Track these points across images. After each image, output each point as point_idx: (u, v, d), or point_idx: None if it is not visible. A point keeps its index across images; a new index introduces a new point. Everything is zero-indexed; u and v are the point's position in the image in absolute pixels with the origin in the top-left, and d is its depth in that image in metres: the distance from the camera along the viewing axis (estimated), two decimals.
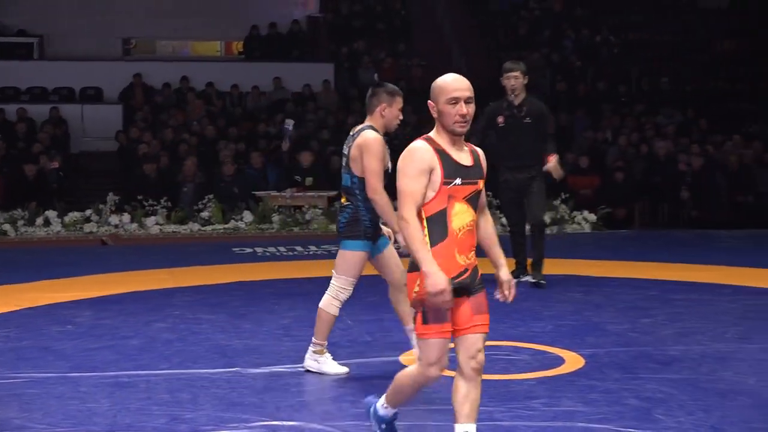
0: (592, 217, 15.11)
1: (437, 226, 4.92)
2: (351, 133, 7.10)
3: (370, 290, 10.17)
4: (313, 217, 15.08)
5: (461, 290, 4.97)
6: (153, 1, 23.30)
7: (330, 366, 7.10)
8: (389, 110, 6.99)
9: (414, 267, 4.96)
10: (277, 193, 15.62)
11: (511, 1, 24.58)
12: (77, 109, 20.54)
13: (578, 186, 16.26)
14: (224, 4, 23.69)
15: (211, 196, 15.33)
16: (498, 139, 10.55)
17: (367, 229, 6.98)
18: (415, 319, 5.11)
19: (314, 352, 7.11)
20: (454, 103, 4.98)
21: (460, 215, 4.94)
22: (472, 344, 5.10)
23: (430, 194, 4.88)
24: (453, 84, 5.05)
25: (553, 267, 11.75)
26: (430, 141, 4.98)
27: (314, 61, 22.65)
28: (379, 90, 7.05)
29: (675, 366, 7.34)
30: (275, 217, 15.16)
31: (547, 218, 15.12)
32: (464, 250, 4.97)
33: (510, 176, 10.47)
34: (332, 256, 12.39)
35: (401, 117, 7.11)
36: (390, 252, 7.18)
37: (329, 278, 7.30)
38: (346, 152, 7.00)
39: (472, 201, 4.99)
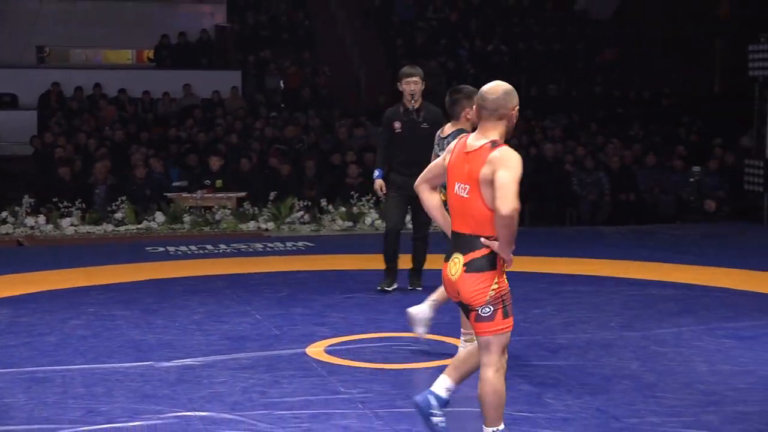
0: None
1: None
2: (444, 137, 7.51)
3: (280, 287, 10.16)
4: (222, 217, 14.99)
5: None
6: (66, 11, 22.94)
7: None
8: (473, 112, 6.09)
9: (484, 267, 5.03)
10: (188, 195, 15.50)
11: (412, 11, 24.68)
12: None
13: None
14: (135, 15, 23.42)
15: (124, 198, 15.16)
16: (394, 145, 9.64)
17: None
18: (492, 317, 5.04)
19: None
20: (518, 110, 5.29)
21: None
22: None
23: None
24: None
25: None
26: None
27: (223, 69, 22.53)
28: (459, 96, 7.23)
29: (563, 353, 7.45)
30: (186, 218, 15.04)
31: None
32: None
33: (401, 180, 9.36)
34: (241, 254, 12.43)
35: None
36: None
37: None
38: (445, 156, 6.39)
39: None
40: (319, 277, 10.70)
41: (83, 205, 15.06)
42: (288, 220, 15.13)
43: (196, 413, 5.99)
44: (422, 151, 8.70)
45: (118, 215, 14.97)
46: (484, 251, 5.03)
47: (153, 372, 6.94)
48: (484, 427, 5.21)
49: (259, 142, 18.03)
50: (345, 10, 24.80)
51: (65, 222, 14.76)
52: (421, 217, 9.34)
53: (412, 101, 9.59)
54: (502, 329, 5.08)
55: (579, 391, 6.44)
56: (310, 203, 15.39)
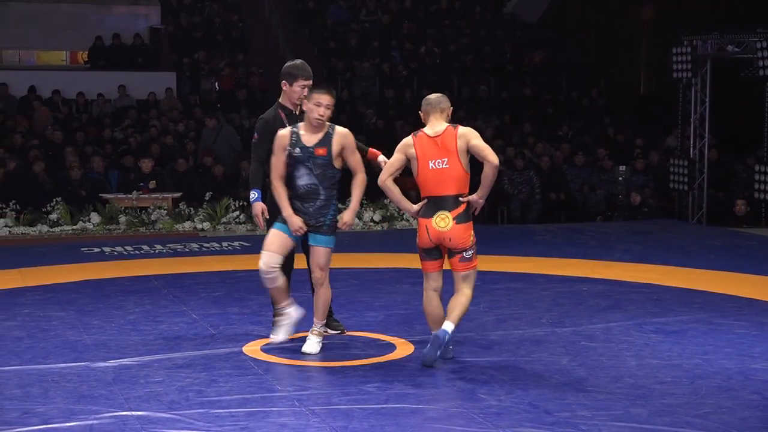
0: None
1: None
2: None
3: (216, 286, 10.10)
4: (158, 217, 14.87)
5: None
6: None
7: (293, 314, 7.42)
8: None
9: (467, 218, 6.94)
10: (123, 196, 15.36)
11: (345, 14, 24.66)
12: None
13: (407, 186, 16.39)
14: (69, 16, 23.15)
15: (59, 199, 14.96)
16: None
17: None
18: (471, 258, 6.97)
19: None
20: None
21: None
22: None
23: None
24: None
25: (383, 261, 11.86)
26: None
27: (157, 70, 22.33)
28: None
29: (495, 349, 7.48)
30: (122, 218, 14.89)
31: (378, 216, 15.25)
32: None
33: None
34: (177, 254, 12.33)
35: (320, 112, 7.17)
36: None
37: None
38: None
39: None
40: (255, 277, 10.56)
41: (17, 205, 14.85)
42: (224, 220, 15.05)
43: (133, 413, 5.93)
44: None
45: (54, 216, 14.78)
46: (463, 206, 6.91)
47: (89, 372, 6.85)
48: (450, 323, 6.85)
49: (195, 143, 17.90)
50: (278, 12, 24.72)
51: None
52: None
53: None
54: (476, 265, 7.03)
55: (511, 386, 6.47)
56: (245, 203, 15.32)
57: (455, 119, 17.20)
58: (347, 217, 7.30)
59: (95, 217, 14.86)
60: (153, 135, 18.29)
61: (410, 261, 11.19)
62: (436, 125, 7.01)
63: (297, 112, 7.75)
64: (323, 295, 7.33)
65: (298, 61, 7.93)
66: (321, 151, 7.15)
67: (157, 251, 12.62)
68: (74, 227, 14.71)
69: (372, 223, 15.27)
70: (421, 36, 23.98)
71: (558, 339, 7.81)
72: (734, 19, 18.45)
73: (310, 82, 7.72)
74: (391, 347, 7.55)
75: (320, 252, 7.25)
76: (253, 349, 7.50)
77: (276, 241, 7.25)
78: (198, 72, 21.96)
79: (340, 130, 7.26)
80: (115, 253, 12.65)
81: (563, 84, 23.20)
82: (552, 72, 23.49)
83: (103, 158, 16.89)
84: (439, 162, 6.88)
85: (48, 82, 20.76)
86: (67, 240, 14.19)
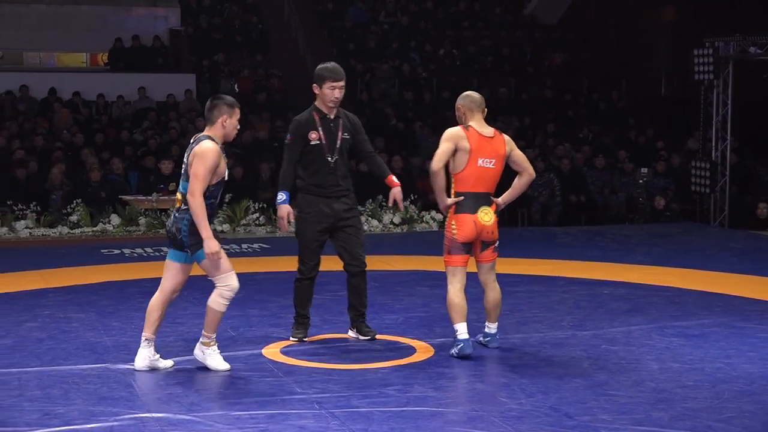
0: (440, 216, 15.26)
1: None
2: (191, 142, 7.01)
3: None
4: None
5: None
6: (20, 14, 22.71)
7: (214, 360, 6.98)
8: (230, 121, 6.93)
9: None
10: (143, 197, 15.40)
11: (364, 15, 24.68)
12: None
13: (426, 188, 16.40)
14: (89, 18, 23.22)
15: (79, 201, 15.02)
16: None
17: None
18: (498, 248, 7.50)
19: (202, 343, 7.04)
20: None
21: None
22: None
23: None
24: None
25: (403, 263, 11.86)
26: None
27: (177, 72, 22.41)
28: (219, 102, 6.98)
29: (516, 352, 7.48)
30: (142, 220, 14.93)
31: (397, 218, 15.25)
32: None
33: (324, 207, 7.74)
34: None
35: (238, 127, 7.04)
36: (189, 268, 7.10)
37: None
38: (185, 160, 6.91)
39: None
40: (275, 279, 10.67)
41: (38, 207, 14.92)
42: (243, 222, 15.07)
43: (153, 415, 5.95)
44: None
45: (74, 218, 14.84)
46: (495, 205, 7.42)
47: (109, 374, 6.88)
48: (490, 324, 7.58)
49: None
50: (298, 13, 24.76)
51: (20, 224, 14.61)
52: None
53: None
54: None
55: (532, 389, 6.46)
56: (265, 206, 15.34)
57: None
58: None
59: (115, 219, 14.91)
60: (173, 137, 18.35)
61: (430, 263, 11.21)
62: (483, 125, 7.47)
63: (332, 116, 7.75)
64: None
65: (329, 64, 7.89)
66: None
67: None
68: (94, 229, 14.76)
69: (392, 225, 15.26)
70: (440, 37, 23.97)
71: (579, 342, 7.80)
72: (757, 21, 18.37)
73: (340, 83, 7.70)
74: (411, 350, 7.55)
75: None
76: (273, 351, 7.51)
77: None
78: (217, 74, 22.01)
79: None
80: (135, 254, 12.69)
81: (584, 86, 23.16)
82: (572, 74, 23.45)
83: (123, 160, 16.94)
84: (487, 161, 7.33)
85: (68, 83, 20.86)
86: (87, 242, 14.24)
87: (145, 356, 6.99)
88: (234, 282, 6.93)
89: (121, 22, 23.46)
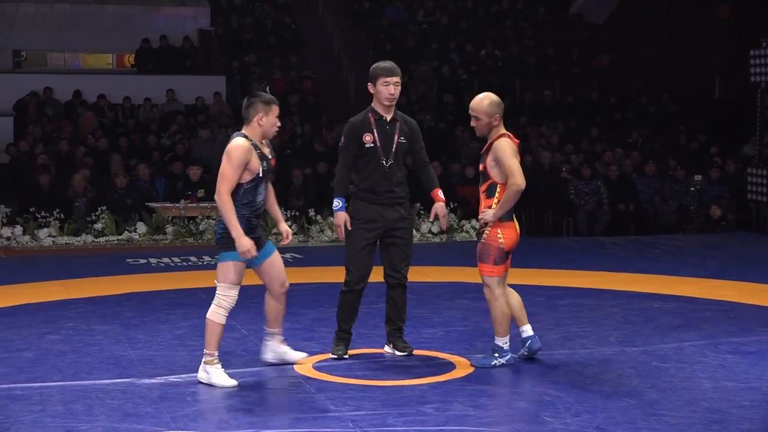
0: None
1: None
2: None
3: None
4: (206, 227, 14.96)
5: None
6: (44, 14, 22.91)
7: (218, 377, 6.99)
8: (266, 119, 7.03)
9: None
10: (171, 205, 15.46)
11: (402, 14, 24.71)
12: None
13: (466, 195, 16.38)
14: (115, 18, 23.41)
15: (104, 208, 15.11)
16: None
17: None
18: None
19: (205, 362, 7.04)
20: None
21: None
22: None
23: None
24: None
25: (442, 275, 11.83)
26: None
27: (206, 74, 22.52)
28: (255, 100, 7.08)
29: (561, 369, 7.43)
30: (169, 228, 15.01)
31: (436, 227, 15.23)
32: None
33: (374, 213, 7.68)
34: None
35: (278, 124, 7.12)
36: (273, 261, 7.21)
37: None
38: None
39: (479, 178, 7.64)
40: (307, 290, 10.67)
41: (61, 215, 15.01)
42: (274, 231, 15.08)
43: None
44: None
45: (98, 226, 14.93)
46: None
47: (134, 389, 6.90)
48: (525, 327, 7.62)
49: None
50: (333, 12, 24.81)
51: (43, 233, 14.72)
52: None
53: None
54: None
55: (578, 408, 6.42)
56: (297, 213, 15.37)
57: (517, 125, 17.24)
58: (287, 227, 7.56)
59: (141, 227, 14.99)
60: (201, 141, 18.43)
61: (470, 275, 11.14)
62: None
63: (388, 118, 7.74)
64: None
65: (385, 62, 7.93)
66: (274, 162, 7.26)
67: (205, 263, 12.69)
68: (119, 237, 14.85)
69: (430, 235, 15.24)
70: (481, 38, 23.95)
71: (627, 359, 7.74)
72: None
73: (394, 78, 7.70)
74: (450, 366, 7.52)
75: (280, 257, 7.44)
76: (304, 366, 7.51)
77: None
78: (248, 76, 22.07)
79: None
80: (162, 264, 12.75)
81: (632, 88, 23.05)
82: (620, 75, 23.35)
83: (150, 165, 17.02)
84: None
85: (93, 86, 21.02)
86: (112, 251, 14.32)
87: (269, 349, 7.45)
88: (235, 296, 7.05)
89: (148, 22, 23.61)
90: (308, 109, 20.76)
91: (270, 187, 7.30)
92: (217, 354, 7.04)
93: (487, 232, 7.42)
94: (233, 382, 6.96)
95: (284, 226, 7.48)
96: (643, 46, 24.88)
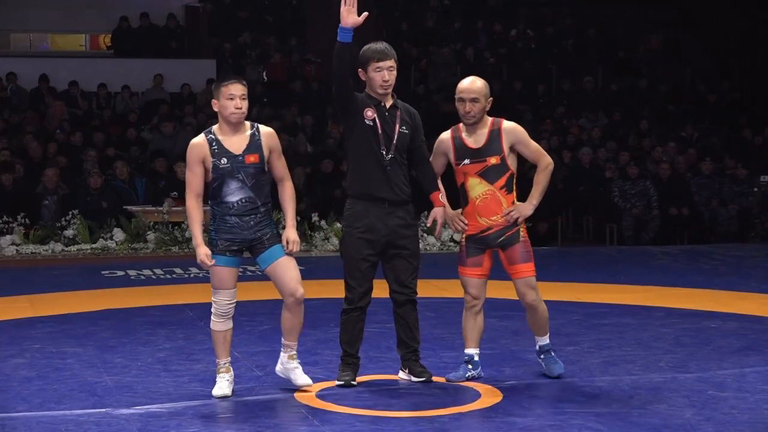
0: None
1: (462, 195, 7.66)
2: None
3: (263, 318, 10.15)
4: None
5: (486, 244, 7.68)
6: None
7: (217, 386, 7.39)
8: (219, 103, 7.33)
9: None
10: (153, 208, 15.49)
11: None
12: None
13: None
14: None
15: (75, 212, 15.13)
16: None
17: (223, 243, 7.36)
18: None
19: (218, 372, 7.46)
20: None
21: (475, 187, 7.59)
22: (518, 288, 7.70)
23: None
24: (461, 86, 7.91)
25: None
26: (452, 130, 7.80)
27: (194, 57, 22.55)
28: (214, 84, 7.52)
29: (603, 399, 7.43)
30: (150, 236, 15.05)
31: (458, 235, 15.21)
32: (485, 214, 7.58)
33: (374, 220, 7.60)
34: None
35: (237, 106, 7.22)
36: (278, 267, 7.28)
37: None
38: None
39: (485, 175, 7.56)
40: (310, 307, 10.60)
41: (27, 220, 15.05)
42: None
43: None
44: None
45: (69, 232, 14.97)
46: None
47: (110, 420, 6.91)
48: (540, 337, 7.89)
49: None
50: None
51: (5, 240, 14.76)
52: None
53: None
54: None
55: None
56: (298, 218, 15.38)
57: (553, 117, 17.32)
58: (293, 235, 7.42)
59: (118, 234, 15.04)
60: (189, 134, 18.47)
61: (497, 289, 11.17)
62: None
63: (385, 104, 7.70)
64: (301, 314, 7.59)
65: (377, 43, 7.97)
66: (252, 159, 7.22)
67: (192, 275, 12.73)
68: (93, 246, 14.90)
69: (451, 243, 15.24)
70: (512, 16, 23.95)
71: (680, 387, 7.74)
72: None
73: (387, 62, 7.69)
74: (475, 394, 7.53)
75: (293, 263, 7.43)
76: (307, 395, 7.52)
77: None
78: (242, 59, 22.09)
79: (265, 129, 7.44)
80: (142, 277, 12.78)
81: (687, 74, 23.04)
82: (673, 60, 23.34)
83: (128, 163, 17.06)
84: None
85: (63, 71, 21.04)
86: (85, 261, 14.38)
87: (280, 361, 7.66)
88: (223, 301, 7.49)
89: None
90: (311, 97, 20.79)
91: (283, 185, 7.52)
92: (224, 362, 7.40)
93: (522, 230, 7.63)
94: (226, 392, 7.33)
95: (289, 233, 7.42)
96: (701, 25, 24.82)
